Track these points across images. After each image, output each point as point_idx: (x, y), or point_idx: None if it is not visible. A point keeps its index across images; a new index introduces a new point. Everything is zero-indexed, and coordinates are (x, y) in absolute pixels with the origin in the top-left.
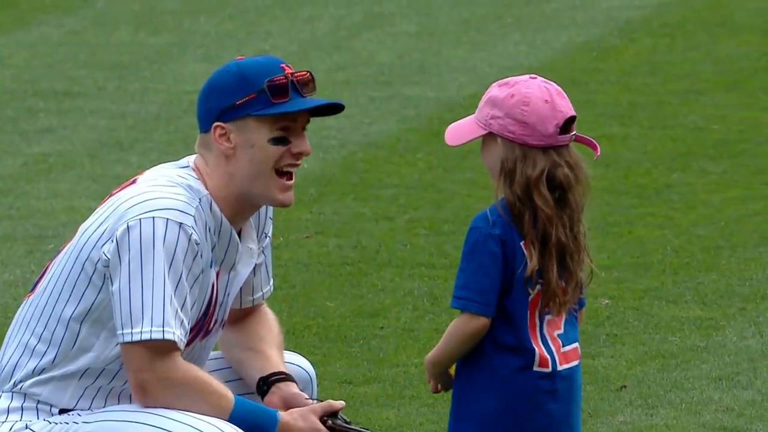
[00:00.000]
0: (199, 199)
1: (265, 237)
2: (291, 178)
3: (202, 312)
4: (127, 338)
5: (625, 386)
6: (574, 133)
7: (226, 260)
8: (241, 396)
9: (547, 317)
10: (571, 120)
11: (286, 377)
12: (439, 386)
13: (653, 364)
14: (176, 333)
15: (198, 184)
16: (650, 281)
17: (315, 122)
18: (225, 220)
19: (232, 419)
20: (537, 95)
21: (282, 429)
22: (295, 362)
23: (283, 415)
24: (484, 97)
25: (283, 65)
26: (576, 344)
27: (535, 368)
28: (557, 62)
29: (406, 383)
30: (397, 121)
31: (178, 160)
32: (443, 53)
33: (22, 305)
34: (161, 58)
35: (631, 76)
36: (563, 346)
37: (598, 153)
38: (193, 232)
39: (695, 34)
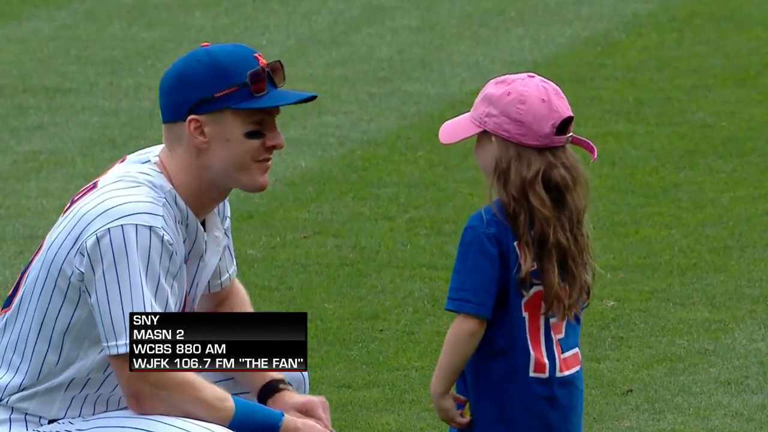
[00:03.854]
0: (164, 195)
1: (226, 219)
2: (268, 161)
3: (179, 308)
4: (113, 351)
5: (631, 390)
6: (571, 134)
7: (193, 251)
8: (236, 395)
9: (552, 320)
10: (567, 121)
11: (283, 387)
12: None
13: (660, 367)
14: None
15: (161, 179)
16: (657, 282)
17: (312, 119)
18: (190, 212)
19: (235, 422)
20: (534, 94)
21: (286, 426)
22: None
23: (288, 417)
24: (480, 94)
25: (257, 55)
26: (576, 349)
27: (531, 374)
28: (562, 57)
29: (407, 387)
30: (398, 118)
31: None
32: (445, 48)
33: (0, 320)
34: (155, 53)
35: (638, 71)
36: (563, 351)
37: (595, 156)
38: (165, 233)
39: (703, 28)
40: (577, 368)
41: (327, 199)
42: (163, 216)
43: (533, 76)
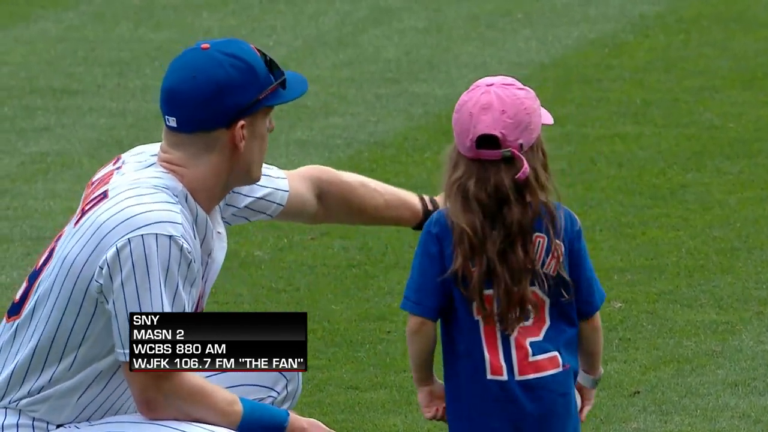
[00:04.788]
0: (178, 196)
1: (234, 193)
2: None
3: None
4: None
5: (638, 392)
6: (506, 150)
7: (203, 248)
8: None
9: (526, 323)
10: (488, 139)
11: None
12: (435, 410)
13: (667, 369)
14: None
15: (172, 180)
16: (664, 284)
17: (319, 121)
18: (200, 209)
19: (243, 424)
20: (468, 104)
21: (292, 426)
22: None
23: (293, 416)
24: None
25: (253, 47)
26: (554, 353)
27: (489, 376)
28: (569, 58)
29: (414, 389)
30: (405, 119)
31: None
32: (452, 49)
33: (8, 327)
34: (162, 54)
35: (645, 72)
36: (534, 354)
37: (520, 174)
38: (184, 242)
39: (710, 29)
40: (552, 371)
41: None
42: (182, 224)
43: (492, 84)
